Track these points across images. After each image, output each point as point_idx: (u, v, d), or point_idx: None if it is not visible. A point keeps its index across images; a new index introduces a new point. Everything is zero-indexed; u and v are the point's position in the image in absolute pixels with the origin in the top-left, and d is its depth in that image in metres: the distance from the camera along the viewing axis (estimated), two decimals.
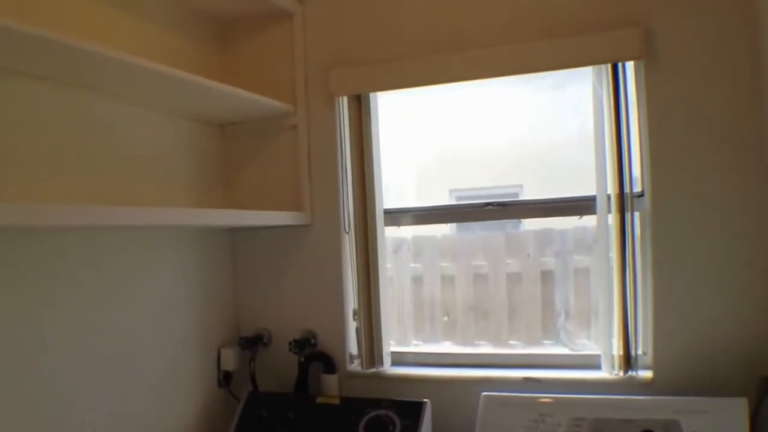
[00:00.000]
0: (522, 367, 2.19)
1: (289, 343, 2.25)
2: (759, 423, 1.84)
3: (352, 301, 2.29)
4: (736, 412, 1.81)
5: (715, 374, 1.95)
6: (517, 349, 2.30)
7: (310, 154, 2.31)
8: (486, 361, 2.27)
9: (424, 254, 2.41)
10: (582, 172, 2.15)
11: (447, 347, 2.36)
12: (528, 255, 2.32)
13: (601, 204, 2.06)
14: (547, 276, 2.31)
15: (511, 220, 2.36)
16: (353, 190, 2.25)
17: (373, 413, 2.04)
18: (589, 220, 2.21)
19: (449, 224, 2.45)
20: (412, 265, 2.40)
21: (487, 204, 2.28)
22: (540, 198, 2.26)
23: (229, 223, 1.94)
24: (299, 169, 2.30)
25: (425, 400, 2.04)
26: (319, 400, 2.15)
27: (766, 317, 1.90)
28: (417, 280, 2.40)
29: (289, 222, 2.19)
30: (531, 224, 2.35)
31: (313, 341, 2.28)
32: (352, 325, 2.29)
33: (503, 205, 2.28)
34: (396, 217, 2.34)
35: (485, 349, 2.32)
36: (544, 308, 2.31)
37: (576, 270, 2.28)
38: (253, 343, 2.29)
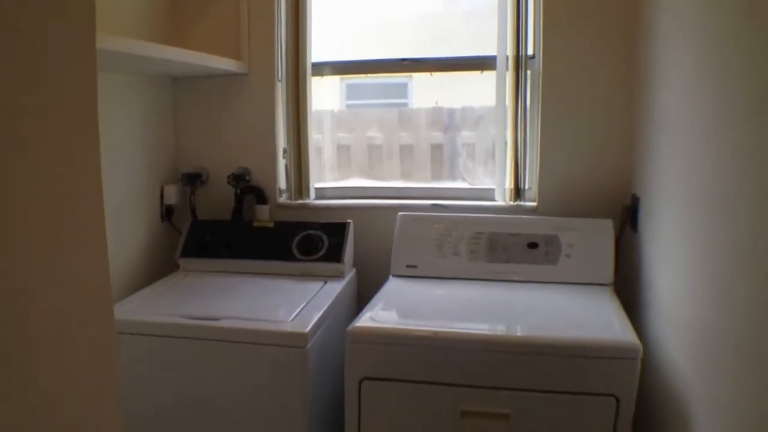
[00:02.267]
0: (429, 198, 2.56)
1: (228, 177, 2.52)
2: (622, 239, 2.29)
3: (282, 141, 2.58)
4: (603, 230, 2.24)
5: (588, 202, 2.37)
6: (424, 183, 2.67)
7: (249, 9, 2.53)
8: (397, 194, 2.62)
9: (324, 126, 2.70)
10: (488, 37, 2.47)
11: (364, 182, 2.71)
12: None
13: (500, 62, 2.40)
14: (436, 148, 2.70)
15: (404, 101, 2.74)
16: (287, 43, 2.50)
17: (304, 233, 2.37)
18: (476, 101, 2.60)
19: (345, 101, 2.80)
20: (315, 135, 2.69)
21: (403, 59, 2.59)
22: (450, 56, 2.58)
23: (174, 58, 2.13)
24: (239, 23, 2.52)
25: (349, 221, 2.39)
26: (256, 224, 2.46)
27: (630, 158, 2.32)
28: (317, 151, 2.70)
29: (229, 68, 2.43)
30: (423, 102, 2.72)
31: (247, 177, 2.57)
32: (282, 163, 2.58)
33: (416, 60, 2.58)
34: (320, 68, 2.62)
35: (397, 183, 2.68)
36: (444, 154, 2.69)
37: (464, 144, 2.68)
38: (193, 179, 2.56)
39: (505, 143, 2.41)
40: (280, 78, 2.55)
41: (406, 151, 2.73)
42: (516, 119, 2.38)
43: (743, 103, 1.24)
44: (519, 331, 1.77)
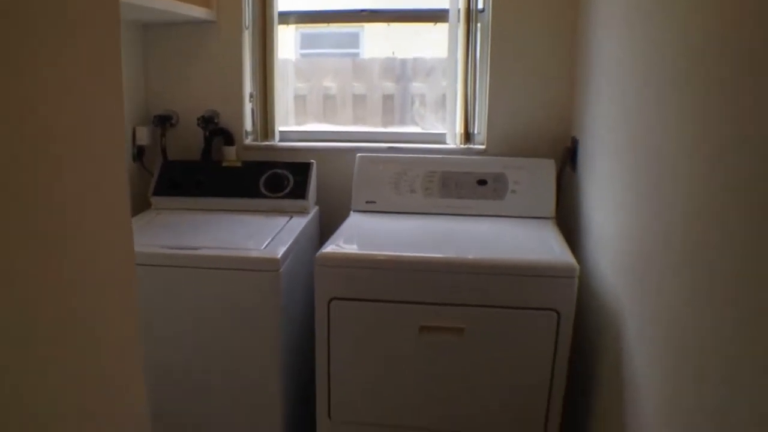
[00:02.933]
0: (385, 142, 2.74)
1: (197, 119, 2.66)
2: (563, 177, 2.51)
3: (249, 86, 2.72)
4: (546, 169, 2.46)
5: (532, 144, 2.59)
6: (380, 128, 2.85)
7: None
8: (355, 138, 2.79)
9: (282, 74, 2.85)
10: None
11: (324, 126, 2.88)
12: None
13: (452, 15, 2.58)
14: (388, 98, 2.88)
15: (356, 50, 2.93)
16: None
17: (270, 172, 2.54)
18: (428, 52, 2.79)
19: (299, 50, 2.96)
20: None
21: (362, 10, 2.74)
22: (405, 7, 2.75)
23: (145, 4, 2.19)
24: None
25: (312, 161, 2.56)
26: (225, 164, 2.61)
27: (570, 105, 2.54)
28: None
29: (198, 16, 2.55)
30: (374, 53, 2.89)
31: (216, 120, 2.71)
32: (248, 107, 2.73)
33: (374, 11, 2.75)
34: (285, 17, 2.75)
35: (357, 128, 2.85)
36: (396, 103, 2.88)
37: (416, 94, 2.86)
38: (163, 121, 2.69)
39: (456, 92, 2.60)
40: (247, 26, 2.68)
41: (359, 99, 2.90)
42: (466, 69, 2.57)
43: (666, 54, 1.46)
44: (471, 255, 1.98)
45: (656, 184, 1.47)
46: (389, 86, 2.88)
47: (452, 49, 2.60)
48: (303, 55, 3.03)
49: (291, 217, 2.44)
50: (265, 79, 2.65)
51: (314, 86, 2.91)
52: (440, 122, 2.80)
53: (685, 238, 1.27)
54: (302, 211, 2.49)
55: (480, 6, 2.58)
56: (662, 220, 1.42)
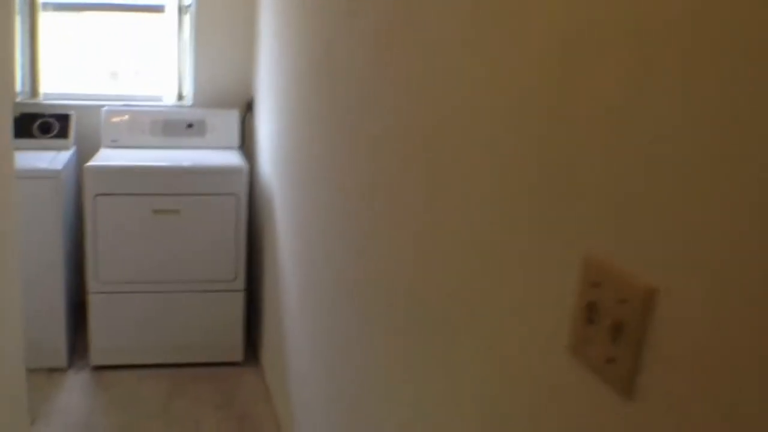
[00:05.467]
0: (121, 100, 3.94)
1: None
2: (246, 121, 3.91)
3: (20, 57, 3.76)
4: (234, 116, 3.83)
5: (225, 99, 3.94)
6: (119, 91, 4.04)
7: None
8: (102, 98, 3.95)
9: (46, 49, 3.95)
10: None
11: (78, 87, 4.00)
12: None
13: (169, 8, 3.84)
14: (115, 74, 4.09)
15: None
16: None
17: (41, 120, 3.63)
18: (151, 36, 4.01)
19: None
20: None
21: (94, 3, 3.90)
22: (131, 3, 3.95)
23: None
24: None
25: (72, 112, 3.70)
26: None
27: (250, 71, 3.93)
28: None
29: None
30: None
31: None
32: (20, 73, 3.77)
33: (109, 5, 3.91)
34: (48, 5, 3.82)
35: (102, 91, 4.01)
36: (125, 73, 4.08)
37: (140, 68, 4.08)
38: None
39: (173, 63, 3.87)
40: (18, 12, 3.71)
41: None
42: (179, 46, 3.85)
43: (297, 51, 2.90)
44: (183, 163, 3.30)
45: (287, 124, 2.91)
46: (119, 62, 4.06)
47: (169, 33, 3.86)
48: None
49: (59, 152, 3.56)
50: (34, 52, 3.71)
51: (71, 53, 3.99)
52: (161, 86, 4.05)
53: (299, 150, 2.72)
54: (66, 148, 3.62)
55: (187, 2, 3.85)
56: (288, 136, 2.86)
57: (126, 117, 3.72)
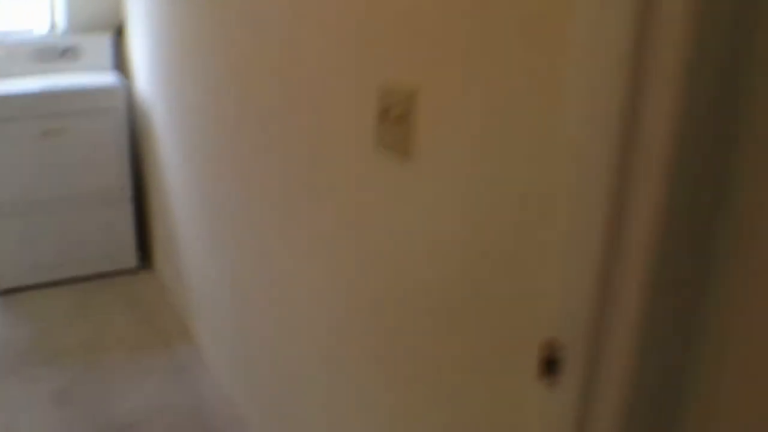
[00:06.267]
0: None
1: None
2: (119, 44, 4.11)
3: None
4: (105, 40, 4.02)
5: (96, 25, 4.11)
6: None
7: None
8: None
9: None
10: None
11: None
12: None
13: None
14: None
15: None
16: None
17: None
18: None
19: None
20: None
21: None
22: None
23: None
24: None
25: None
26: None
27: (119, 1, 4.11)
28: None
29: None
30: None
31: None
32: None
33: None
34: None
35: None
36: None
37: None
38: None
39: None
40: None
41: None
42: None
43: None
44: (61, 84, 3.52)
45: (157, 41, 3.18)
46: None
47: None
48: None
49: None
50: None
51: None
52: (33, 17, 4.16)
53: (173, 59, 3.01)
54: None
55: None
56: (166, 63, 3.14)
57: (2, 49, 3.85)
